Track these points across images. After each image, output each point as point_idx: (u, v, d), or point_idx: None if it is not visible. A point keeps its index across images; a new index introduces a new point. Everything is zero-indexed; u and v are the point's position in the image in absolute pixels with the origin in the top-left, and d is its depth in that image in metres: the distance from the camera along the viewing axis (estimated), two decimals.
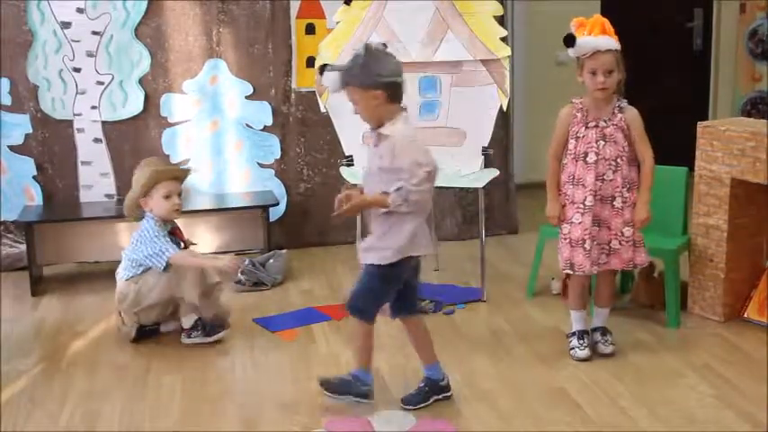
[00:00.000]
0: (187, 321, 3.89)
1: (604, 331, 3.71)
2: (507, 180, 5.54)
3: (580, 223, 3.49)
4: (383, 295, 3.18)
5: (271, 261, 4.74)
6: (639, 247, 3.55)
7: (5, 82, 4.92)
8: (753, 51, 6.51)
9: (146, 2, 4.97)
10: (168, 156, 5.11)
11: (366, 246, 3.16)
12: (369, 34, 4.38)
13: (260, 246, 5.03)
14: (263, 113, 5.21)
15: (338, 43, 4.43)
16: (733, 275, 3.98)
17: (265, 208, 4.96)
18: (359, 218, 4.37)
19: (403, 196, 2.99)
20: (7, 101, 4.94)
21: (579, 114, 3.52)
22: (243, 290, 4.61)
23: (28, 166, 5.02)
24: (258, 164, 5.28)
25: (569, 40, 3.38)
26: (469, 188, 4.72)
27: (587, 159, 3.48)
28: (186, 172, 4.18)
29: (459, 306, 4.30)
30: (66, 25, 4.92)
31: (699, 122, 4.08)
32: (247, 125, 5.23)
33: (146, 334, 3.96)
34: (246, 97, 5.20)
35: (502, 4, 4.34)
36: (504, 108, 4.34)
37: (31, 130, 5.00)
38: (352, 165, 4.47)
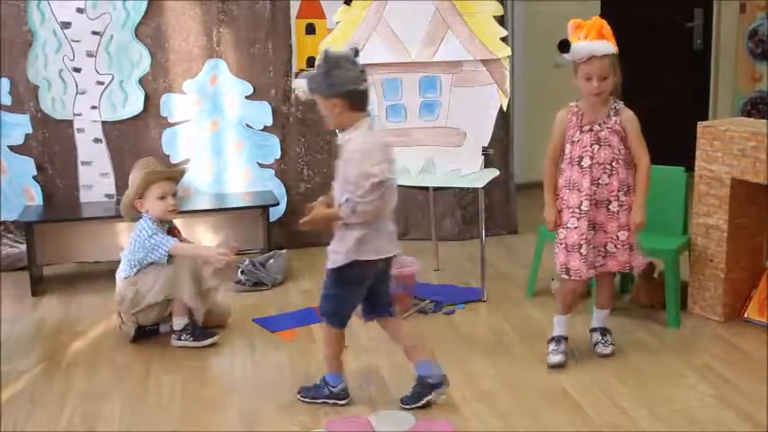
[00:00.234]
0: (177, 323, 3.89)
1: (604, 332, 3.71)
2: (507, 180, 5.54)
3: (576, 228, 3.46)
4: (345, 299, 3.21)
5: (271, 261, 4.74)
6: (636, 251, 3.53)
7: (5, 82, 4.92)
8: (753, 51, 6.51)
9: (146, 2, 4.97)
10: (168, 156, 5.11)
11: (328, 251, 3.21)
12: (369, 34, 4.38)
13: (260, 246, 5.03)
14: (263, 113, 5.21)
15: (338, 43, 4.42)
16: (733, 275, 3.99)
17: (265, 208, 4.96)
18: None
19: (351, 208, 3.04)
20: (7, 101, 4.94)
21: (575, 118, 3.49)
22: (243, 290, 4.61)
23: (28, 166, 5.02)
24: (258, 164, 5.28)
25: (564, 46, 3.34)
26: (469, 188, 4.72)
27: (582, 164, 3.45)
28: (181, 172, 4.18)
29: (460, 306, 4.30)
30: (66, 25, 4.92)
31: (699, 122, 4.08)
32: (247, 125, 5.23)
33: (145, 334, 3.96)
34: (246, 97, 5.20)
35: (502, 4, 4.34)
36: (504, 108, 4.34)
37: (31, 130, 5.00)
38: None
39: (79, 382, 3.57)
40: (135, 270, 3.87)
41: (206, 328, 3.93)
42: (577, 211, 3.46)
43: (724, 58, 6.74)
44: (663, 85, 6.67)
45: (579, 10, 5.88)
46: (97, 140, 5.09)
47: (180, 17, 5.05)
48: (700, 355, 3.68)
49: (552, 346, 3.59)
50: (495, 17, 4.28)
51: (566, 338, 3.62)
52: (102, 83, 5.02)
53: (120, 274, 3.93)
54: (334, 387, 3.29)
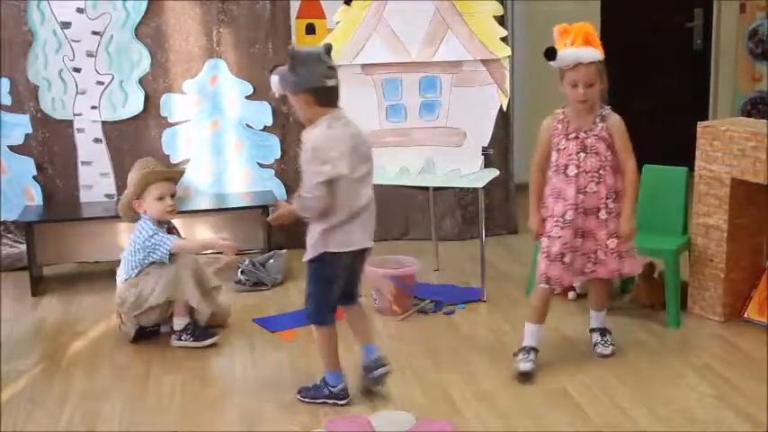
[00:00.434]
0: (178, 323, 3.89)
1: (603, 332, 3.70)
2: (507, 180, 5.54)
3: (559, 237, 3.41)
4: (323, 295, 3.24)
5: (271, 261, 4.74)
6: (626, 258, 3.47)
7: (5, 82, 4.92)
8: (753, 51, 6.51)
9: (146, 2, 4.97)
10: (168, 156, 5.11)
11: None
12: (369, 34, 4.38)
13: (260, 246, 5.03)
14: (263, 113, 5.21)
15: (338, 43, 4.42)
16: (733, 275, 3.99)
17: (265, 208, 4.96)
18: None
19: (300, 204, 3.15)
20: (7, 101, 4.94)
21: (560, 126, 3.43)
22: (243, 290, 4.62)
23: (28, 166, 5.02)
24: (258, 164, 5.28)
25: (550, 54, 3.29)
26: (469, 188, 4.72)
27: (568, 172, 3.40)
28: (180, 173, 4.18)
29: (460, 306, 4.30)
30: (66, 25, 4.92)
31: (699, 122, 4.08)
32: (247, 125, 5.23)
33: (145, 334, 3.96)
34: (246, 97, 5.20)
35: (502, 4, 4.34)
36: (504, 108, 4.34)
37: (31, 130, 5.00)
38: None
39: (79, 382, 3.57)
40: (136, 271, 3.87)
41: (206, 328, 3.93)
42: (561, 220, 3.41)
43: (724, 58, 6.74)
44: (663, 85, 6.68)
45: (579, 10, 5.91)
46: (97, 140, 5.09)
47: (180, 17, 5.05)
48: (700, 355, 3.68)
49: (522, 354, 3.48)
50: (495, 17, 4.28)
51: (536, 350, 3.51)
52: (102, 83, 5.02)
53: (121, 275, 3.92)
54: (333, 387, 3.29)
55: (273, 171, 5.30)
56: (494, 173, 4.34)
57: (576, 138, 3.40)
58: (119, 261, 3.97)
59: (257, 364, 3.73)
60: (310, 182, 3.09)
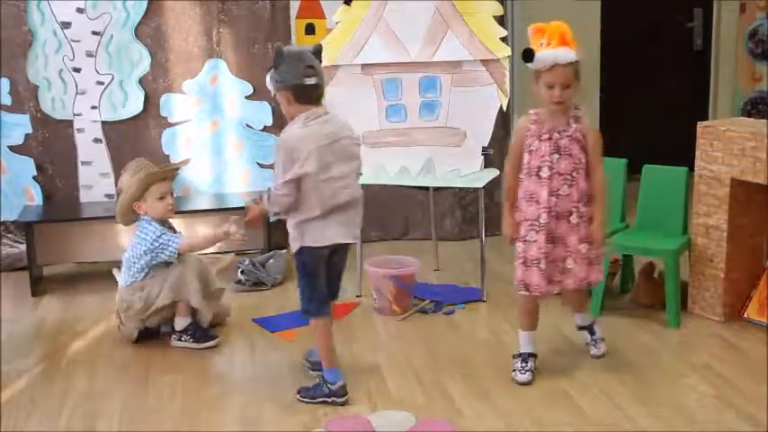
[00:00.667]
0: (179, 324, 3.89)
1: (591, 330, 3.66)
2: None
3: (535, 242, 3.33)
4: (311, 287, 3.32)
5: (271, 261, 4.74)
6: (594, 265, 3.40)
7: (5, 82, 4.92)
8: (753, 51, 6.50)
9: (146, 2, 4.97)
10: (168, 156, 5.11)
11: None
12: (369, 34, 4.38)
13: (260, 246, 5.03)
14: (263, 113, 5.21)
15: (338, 43, 4.43)
16: (733, 275, 3.99)
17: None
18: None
19: (270, 199, 3.28)
20: (7, 101, 4.94)
21: (533, 126, 3.34)
22: (243, 290, 4.62)
23: (28, 166, 5.02)
24: (258, 164, 5.28)
25: (528, 55, 3.22)
26: (469, 188, 4.72)
27: (541, 174, 3.31)
28: (176, 170, 4.17)
29: (459, 306, 4.30)
30: (66, 25, 4.92)
31: (699, 122, 4.08)
32: (247, 125, 5.23)
33: (146, 335, 3.96)
34: (246, 97, 5.20)
35: (502, 4, 4.34)
36: (504, 108, 4.35)
37: (31, 130, 5.00)
38: None
39: (79, 382, 3.57)
40: (142, 275, 3.85)
41: (207, 330, 3.92)
42: (536, 223, 3.33)
43: (724, 58, 6.73)
44: (663, 85, 6.67)
45: (579, 10, 5.90)
46: (97, 140, 5.09)
47: (180, 17, 5.05)
48: (700, 355, 3.68)
49: (519, 364, 3.46)
50: (494, 17, 4.29)
51: (534, 355, 3.49)
52: (102, 83, 5.02)
53: (125, 279, 3.90)
54: (332, 384, 3.29)
55: (273, 171, 5.29)
56: (494, 173, 4.34)
57: (550, 139, 3.31)
58: (119, 261, 3.97)
59: (257, 364, 3.73)
60: (280, 179, 3.21)
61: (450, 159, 4.39)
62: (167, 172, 4.02)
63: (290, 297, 4.52)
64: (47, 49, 4.93)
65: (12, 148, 5.00)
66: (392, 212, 5.45)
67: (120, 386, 3.53)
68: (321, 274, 3.32)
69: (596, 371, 3.52)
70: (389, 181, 4.48)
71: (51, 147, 5.05)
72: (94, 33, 4.97)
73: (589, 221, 3.35)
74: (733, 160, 3.87)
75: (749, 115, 6.26)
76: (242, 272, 4.68)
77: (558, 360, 3.63)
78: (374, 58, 4.39)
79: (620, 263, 4.38)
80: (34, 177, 5.04)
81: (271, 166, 5.28)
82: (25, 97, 4.96)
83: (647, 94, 6.61)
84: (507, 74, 4.26)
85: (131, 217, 3.90)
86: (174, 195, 4.03)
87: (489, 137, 4.34)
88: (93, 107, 5.05)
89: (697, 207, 4.05)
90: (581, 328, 3.69)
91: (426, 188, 4.78)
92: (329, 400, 3.29)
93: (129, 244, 3.92)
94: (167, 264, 3.85)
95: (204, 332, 3.90)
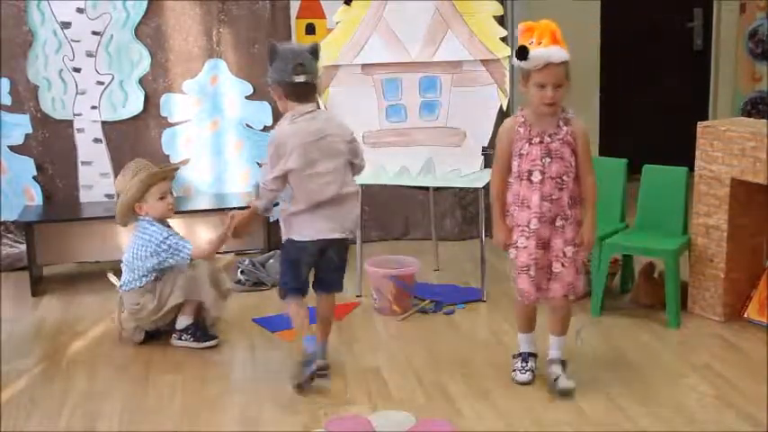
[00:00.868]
0: (181, 323, 3.88)
1: (564, 364, 3.38)
2: None
3: (525, 248, 3.23)
4: (288, 274, 3.45)
5: (271, 261, 4.74)
6: (581, 274, 3.30)
7: (5, 82, 4.92)
8: (753, 51, 6.51)
9: (146, 2, 4.97)
10: (168, 156, 5.11)
11: None
12: (369, 34, 4.38)
13: (260, 246, 5.03)
14: (263, 113, 5.21)
15: (338, 43, 4.43)
16: (733, 275, 3.99)
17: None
18: (359, 218, 4.38)
19: (258, 194, 3.45)
20: (7, 101, 4.94)
21: (522, 129, 3.21)
22: (243, 290, 4.61)
23: (28, 166, 5.02)
24: (258, 164, 5.27)
25: (522, 53, 3.10)
26: (469, 188, 4.72)
27: (532, 178, 3.19)
28: (175, 169, 4.16)
29: (460, 306, 4.30)
30: (66, 25, 4.92)
31: (699, 122, 4.08)
32: (247, 125, 5.23)
33: (149, 335, 3.95)
34: (246, 97, 5.20)
35: (502, 4, 4.34)
36: (504, 108, 4.35)
37: (31, 130, 5.00)
38: None
39: (79, 382, 3.57)
40: (150, 278, 3.83)
41: (207, 331, 3.92)
42: (527, 229, 3.22)
43: (724, 58, 6.73)
44: (663, 85, 6.67)
45: (579, 10, 5.91)
46: (97, 140, 5.09)
47: (180, 17, 5.05)
48: (700, 355, 3.68)
49: (519, 364, 3.43)
50: (495, 17, 4.29)
51: (534, 355, 3.45)
52: (102, 83, 5.02)
53: (130, 284, 3.86)
54: (306, 350, 3.41)
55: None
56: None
57: (541, 142, 3.19)
58: (119, 261, 3.95)
59: (257, 364, 3.73)
60: (267, 174, 3.34)
61: (451, 159, 4.40)
62: (168, 172, 4.01)
63: None
64: (47, 49, 4.93)
65: (12, 148, 5.00)
66: (392, 212, 5.45)
67: (120, 386, 3.53)
68: (302, 266, 3.42)
69: (596, 371, 3.52)
70: (389, 181, 4.48)
71: (51, 147, 5.05)
72: (94, 33, 4.97)
73: (576, 224, 3.25)
74: (733, 160, 3.87)
75: (749, 115, 6.27)
76: (242, 272, 4.68)
77: None
78: (374, 58, 4.39)
79: (620, 263, 4.39)
80: (34, 177, 5.04)
81: None
82: (25, 97, 4.96)
83: (647, 94, 6.61)
84: (507, 74, 4.26)
85: (131, 218, 3.90)
86: (174, 195, 4.02)
87: (489, 137, 4.34)
88: (94, 107, 5.05)
89: (697, 207, 4.05)
90: (552, 361, 3.38)
91: (426, 188, 4.78)
92: (319, 374, 3.42)
93: (130, 245, 3.89)
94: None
95: (204, 332, 3.90)
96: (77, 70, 4.98)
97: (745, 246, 4.02)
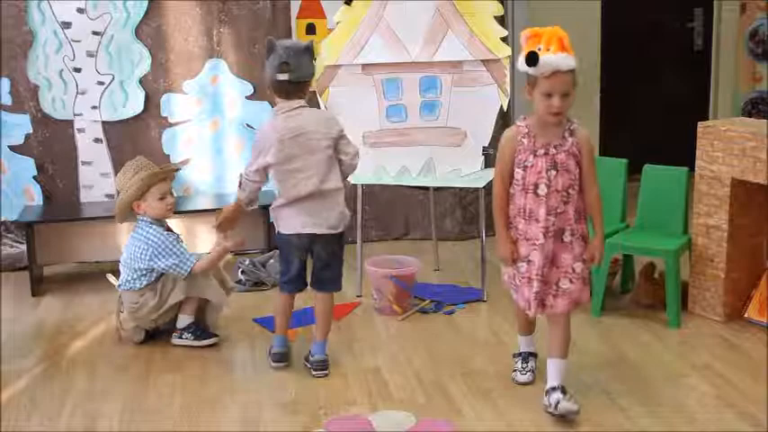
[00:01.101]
0: (182, 321, 3.88)
1: (564, 390, 3.17)
2: None
3: (531, 262, 3.12)
4: (283, 266, 3.59)
5: (271, 261, 4.74)
6: (587, 285, 3.20)
7: (6, 82, 4.92)
8: (753, 51, 6.51)
9: (146, 2, 4.97)
10: (168, 156, 5.11)
11: None
12: (369, 34, 4.38)
13: (260, 246, 5.03)
14: (263, 113, 5.21)
15: (339, 43, 4.43)
16: (733, 275, 3.99)
17: (265, 208, 4.94)
18: (359, 218, 4.38)
19: (240, 186, 3.55)
20: (7, 101, 4.94)
21: (526, 140, 3.09)
22: (243, 290, 4.61)
23: (28, 166, 5.02)
24: None
25: (532, 59, 2.95)
26: (470, 188, 4.72)
27: (538, 191, 3.07)
28: (175, 169, 4.16)
29: (460, 306, 4.30)
30: (66, 25, 4.92)
31: (699, 122, 4.08)
32: (248, 125, 5.23)
33: (149, 334, 3.95)
34: (247, 97, 5.20)
35: (502, 4, 4.34)
36: (505, 108, 4.35)
37: (31, 130, 5.00)
38: None
39: (79, 382, 3.57)
40: (150, 279, 3.83)
41: (207, 329, 3.93)
42: (536, 243, 3.11)
43: (724, 58, 6.73)
44: (663, 85, 6.67)
45: (579, 9, 5.91)
46: (97, 140, 5.09)
47: (180, 17, 5.05)
48: (700, 354, 3.68)
49: (520, 364, 3.43)
50: (495, 17, 4.29)
51: (534, 355, 3.44)
52: (102, 83, 5.02)
53: (129, 284, 3.86)
54: (272, 347, 3.62)
55: None
56: (494, 173, 4.34)
57: (546, 154, 3.07)
58: (119, 261, 3.95)
59: (257, 364, 3.72)
60: (249, 166, 3.49)
61: (451, 159, 4.40)
62: (168, 172, 4.01)
63: None
64: (47, 49, 4.93)
65: (12, 148, 5.00)
66: (392, 212, 5.45)
67: (120, 386, 3.53)
68: (291, 260, 3.53)
69: (596, 371, 3.52)
70: (390, 181, 4.49)
71: (52, 147, 5.05)
72: (95, 33, 4.97)
73: (582, 239, 3.15)
74: (733, 160, 3.87)
75: (749, 115, 6.27)
76: (242, 272, 4.68)
77: None
78: (375, 58, 4.39)
79: (620, 263, 4.38)
80: (34, 177, 5.04)
81: None
82: (26, 97, 4.96)
83: (648, 95, 6.61)
84: (508, 74, 4.27)
85: (129, 216, 3.90)
86: (174, 195, 4.02)
87: (490, 137, 4.34)
88: (94, 107, 5.05)
89: (697, 207, 4.05)
90: (553, 389, 3.17)
91: (426, 188, 4.78)
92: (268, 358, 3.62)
93: (128, 245, 3.88)
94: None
95: (204, 330, 3.90)
96: (78, 70, 4.99)
97: (745, 246, 4.02)
